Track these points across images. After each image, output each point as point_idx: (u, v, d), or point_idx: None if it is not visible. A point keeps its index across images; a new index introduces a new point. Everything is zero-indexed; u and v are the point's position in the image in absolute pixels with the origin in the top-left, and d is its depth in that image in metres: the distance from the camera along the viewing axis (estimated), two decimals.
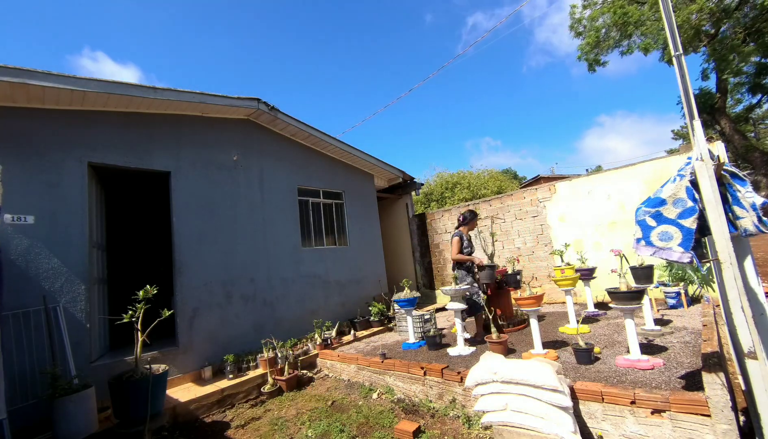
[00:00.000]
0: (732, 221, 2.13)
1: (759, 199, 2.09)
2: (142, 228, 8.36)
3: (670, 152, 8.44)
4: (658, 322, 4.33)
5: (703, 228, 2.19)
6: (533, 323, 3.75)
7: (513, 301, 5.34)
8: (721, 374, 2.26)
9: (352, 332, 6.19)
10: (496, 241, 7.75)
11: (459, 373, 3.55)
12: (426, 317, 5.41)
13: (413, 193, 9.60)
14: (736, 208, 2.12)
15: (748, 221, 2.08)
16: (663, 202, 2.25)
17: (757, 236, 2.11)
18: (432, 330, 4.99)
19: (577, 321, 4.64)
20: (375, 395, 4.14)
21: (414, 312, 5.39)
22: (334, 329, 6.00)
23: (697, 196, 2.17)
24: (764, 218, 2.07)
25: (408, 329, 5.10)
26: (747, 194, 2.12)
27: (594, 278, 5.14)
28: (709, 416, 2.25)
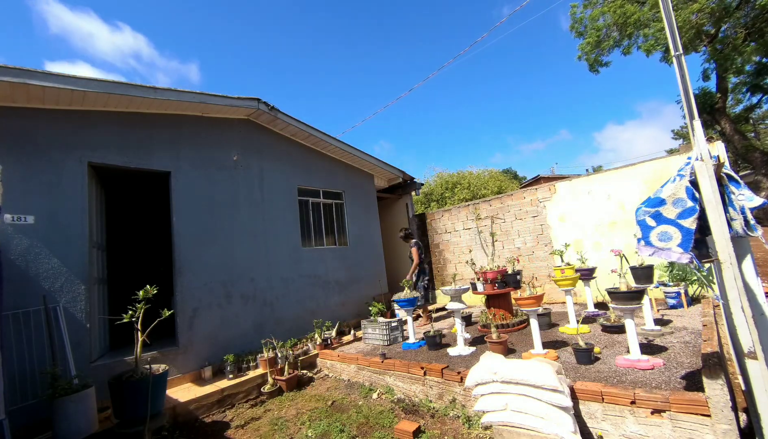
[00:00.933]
0: (728, 222, 2.14)
1: (750, 203, 2.12)
2: (142, 228, 8.36)
3: (670, 152, 8.44)
4: (658, 322, 4.33)
5: (704, 228, 2.19)
6: (533, 323, 3.75)
7: (513, 301, 5.34)
8: (721, 374, 2.26)
9: (352, 332, 6.19)
10: (496, 241, 7.74)
11: (459, 373, 3.54)
12: (393, 324, 5.34)
13: (413, 193, 9.60)
14: (730, 210, 2.14)
15: (737, 224, 2.12)
16: (663, 202, 2.25)
17: (746, 238, 2.14)
18: (423, 334, 4.98)
19: (577, 321, 4.64)
20: (375, 395, 4.14)
21: (380, 319, 5.43)
22: (334, 329, 6.00)
23: (697, 196, 2.17)
24: (752, 222, 2.10)
25: (407, 330, 5.10)
26: (740, 197, 2.15)
27: (594, 278, 5.14)
28: (709, 416, 2.25)
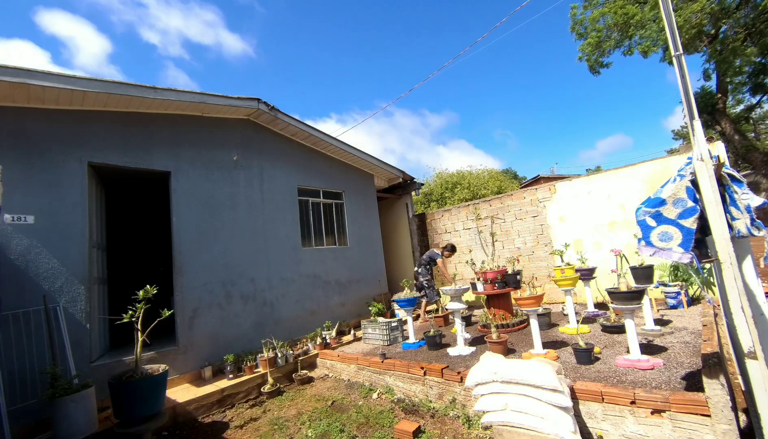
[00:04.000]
0: (729, 222, 2.13)
1: (755, 201, 2.10)
2: (142, 228, 8.36)
3: (670, 152, 8.44)
4: (658, 322, 4.33)
5: (704, 228, 2.19)
6: (533, 323, 3.74)
7: (513, 301, 5.34)
8: (721, 374, 2.26)
9: (352, 332, 6.18)
10: (496, 241, 7.74)
11: (459, 373, 3.54)
12: (393, 324, 5.35)
13: (413, 193, 9.60)
14: (732, 209, 2.13)
15: (741, 223, 2.10)
16: (663, 202, 2.25)
17: (748, 238, 2.12)
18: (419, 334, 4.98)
19: (577, 321, 4.64)
20: (375, 395, 4.14)
21: (380, 319, 5.43)
22: (334, 329, 5.99)
23: (697, 196, 2.17)
24: (757, 221, 2.09)
25: (407, 330, 5.10)
26: (743, 196, 2.13)
27: (594, 278, 5.14)
28: (709, 416, 2.25)
